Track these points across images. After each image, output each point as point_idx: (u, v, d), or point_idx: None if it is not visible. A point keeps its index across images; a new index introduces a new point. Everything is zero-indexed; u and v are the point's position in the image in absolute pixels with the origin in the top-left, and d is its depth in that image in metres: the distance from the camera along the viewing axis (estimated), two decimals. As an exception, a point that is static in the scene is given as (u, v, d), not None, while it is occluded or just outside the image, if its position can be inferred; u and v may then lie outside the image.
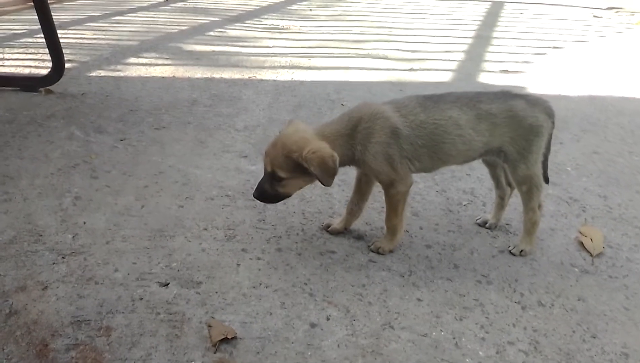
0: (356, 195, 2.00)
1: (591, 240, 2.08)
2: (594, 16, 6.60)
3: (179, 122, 2.95)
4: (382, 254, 1.92)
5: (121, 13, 5.59)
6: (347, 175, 2.43)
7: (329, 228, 2.03)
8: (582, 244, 2.05)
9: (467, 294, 1.74)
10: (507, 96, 1.87)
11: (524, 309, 1.69)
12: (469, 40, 5.22)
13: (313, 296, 1.69)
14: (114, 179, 2.33)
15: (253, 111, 3.16)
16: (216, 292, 1.68)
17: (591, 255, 1.99)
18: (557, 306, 1.71)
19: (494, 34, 5.53)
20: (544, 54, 4.95)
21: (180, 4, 6.02)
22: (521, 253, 1.97)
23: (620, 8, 7.17)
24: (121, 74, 3.70)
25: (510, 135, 1.83)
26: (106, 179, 2.32)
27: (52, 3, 5.84)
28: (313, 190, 2.33)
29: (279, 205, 2.19)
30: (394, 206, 1.86)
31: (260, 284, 1.73)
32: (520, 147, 1.84)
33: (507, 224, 2.16)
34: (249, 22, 5.31)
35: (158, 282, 1.70)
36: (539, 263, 1.93)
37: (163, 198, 2.21)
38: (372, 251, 1.93)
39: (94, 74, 3.69)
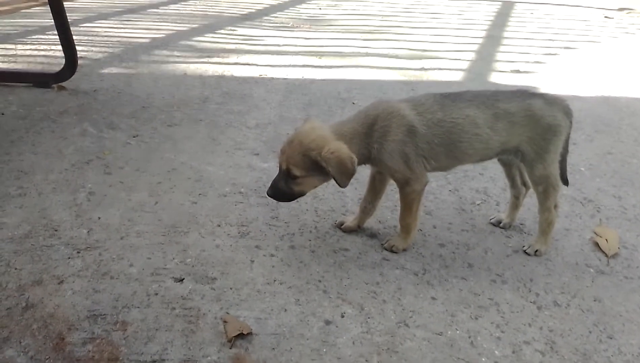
0: (370, 194, 1.99)
1: (606, 240, 2.06)
2: (605, 17, 6.56)
3: (191, 120, 2.96)
4: (396, 252, 1.91)
5: (132, 11, 5.62)
6: (360, 174, 2.42)
7: (342, 226, 2.03)
8: (597, 244, 2.04)
9: (482, 293, 1.73)
10: (524, 94, 1.85)
11: (539, 309, 1.67)
12: (480, 40, 5.19)
13: (327, 294, 1.68)
14: (127, 175, 2.34)
15: (264, 109, 3.17)
16: (231, 288, 1.68)
17: (606, 256, 1.98)
18: (573, 306, 1.70)
19: (505, 34, 5.50)
20: (556, 54, 4.92)
21: (190, 2, 6.04)
22: (536, 252, 1.95)
23: (632, 9, 7.11)
24: (133, 71, 3.72)
25: (528, 134, 1.81)
26: (119, 176, 2.33)
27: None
28: (326, 188, 2.32)
29: (292, 203, 2.18)
30: (408, 204, 1.86)
31: (275, 281, 1.73)
32: (538, 146, 1.83)
33: (521, 224, 2.15)
34: (258, 20, 5.32)
35: (173, 277, 1.71)
36: (553, 263, 1.92)
37: (176, 194, 2.21)
38: (386, 249, 1.93)
39: (105, 71, 3.70)
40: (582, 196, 2.39)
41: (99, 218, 2.00)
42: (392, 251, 1.92)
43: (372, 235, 2.02)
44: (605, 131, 3.14)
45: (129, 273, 1.72)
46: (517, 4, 7.21)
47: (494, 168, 2.53)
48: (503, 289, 1.76)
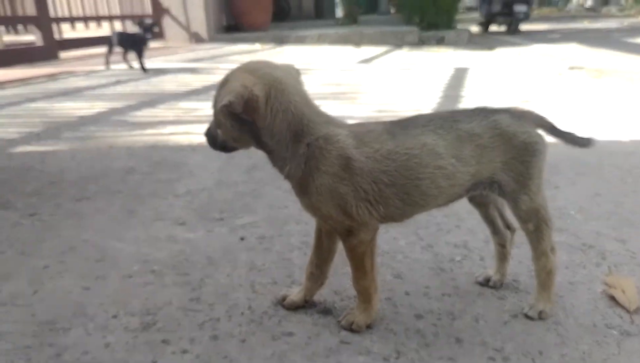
0: (317, 253, 1.50)
1: (623, 291, 1.62)
2: (558, 74, 6.64)
3: (107, 192, 2.47)
4: (357, 331, 1.41)
5: (65, 93, 5.25)
6: (310, 236, 1.97)
7: (285, 301, 1.52)
8: (613, 298, 1.59)
9: (481, 379, 1.23)
10: (486, 111, 1.44)
11: (563, 394, 1.18)
12: (438, 99, 5.02)
13: (259, 403, 1.15)
14: (6, 260, 1.81)
15: (199, 176, 2.72)
16: (111, 409, 1.12)
17: (628, 311, 1.53)
18: (606, 386, 1.21)
19: (462, 93, 5.38)
20: (516, 107, 4.76)
21: (132, 84, 5.74)
22: (540, 315, 1.48)
23: (582, 67, 7.28)
24: (50, 148, 3.25)
25: (501, 159, 1.40)
26: (-5, 262, 1.80)
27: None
28: (266, 256, 1.84)
29: (220, 279, 1.69)
30: (358, 261, 1.38)
31: (182, 390, 1.19)
32: (516, 173, 1.41)
33: (514, 280, 1.69)
34: (204, 95, 5.03)
35: (25, 401, 1.15)
36: (565, 328, 1.45)
37: (65, 279, 1.68)
38: (344, 328, 1.42)
39: (18, 150, 3.23)
40: (580, 241, 1.98)
41: (-57, 320, 1.44)
42: (352, 330, 1.41)
43: (326, 311, 1.52)
44: (587, 173, 2.81)
45: (-41, 399, 1.15)
46: (469, 69, 7.28)
47: (471, 219, 2.12)
48: (508, 370, 1.26)
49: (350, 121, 1.47)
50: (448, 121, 1.39)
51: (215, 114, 1.33)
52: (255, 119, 1.28)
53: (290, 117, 1.30)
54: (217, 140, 1.39)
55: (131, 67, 6.70)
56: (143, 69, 6.44)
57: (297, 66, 1.44)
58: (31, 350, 1.33)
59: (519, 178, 1.41)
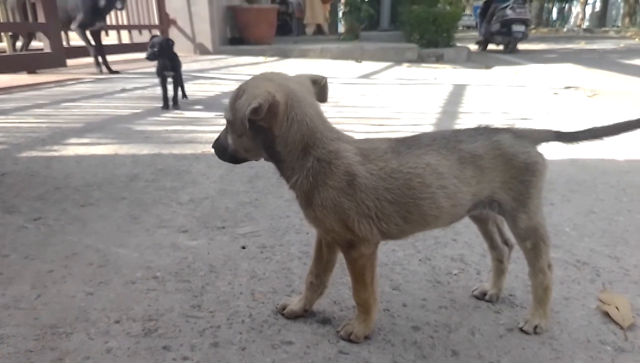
0: (317, 264, 1.54)
1: (617, 308, 1.65)
2: (554, 93, 6.72)
3: (111, 198, 2.51)
4: (356, 341, 1.43)
5: (72, 100, 5.30)
6: (310, 246, 2.00)
7: (285, 310, 1.55)
8: (607, 314, 1.62)
9: (476, 391, 1.25)
10: (488, 131, 1.48)
11: (556, 408, 1.21)
12: (437, 116, 5.08)
13: (258, 409, 1.17)
14: (10, 264, 1.83)
15: (202, 184, 2.76)
16: (114, 412, 1.15)
17: (621, 328, 1.56)
18: (599, 400, 1.24)
19: (460, 109, 5.45)
20: (513, 124, 4.82)
21: (138, 92, 5.82)
22: (536, 329, 1.51)
23: (578, 87, 7.37)
24: (55, 153, 3.29)
25: (501, 178, 1.43)
26: (0, 265, 1.82)
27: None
28: (267, 265, 1.87)
29: (222, 287, 1.72)
30: (359, 274, 1.40)
31: (183, 395, 1.21)
32: (516, 192, 1.44)
33: (510, 295, 1.72)
34: (208, 105, 5.09)
35: (29, 402, 1.17)
36: (560, 342, 1.48)
37: (69, 284, 1.70)
38: (343, 338, 1.45)
39: (23, 154, 3.26)
40: (575, 258, 2.01)
41: (-52, 321, 1.47)
42: (350, 341, 1.44)
43: (325, 321, 1.54)
44: (581, 191, 2.85)
45: (-36, 399, 1.17)
46: (468, 86, 7.37)
47: (468, 232, 2.16)
48: (503, 383, 1.29)
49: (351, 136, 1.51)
50: (451, 141, 1.42)
51: (235, 122, 1.32)
52: (273, 125, 1.30)
53: (305, 128, 1.33)
54: (227, 151, 1.40)
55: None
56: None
57: (324, 74, 1.48)
58: (33, 354, 1.35)
59: (518, 197, 1.44)
